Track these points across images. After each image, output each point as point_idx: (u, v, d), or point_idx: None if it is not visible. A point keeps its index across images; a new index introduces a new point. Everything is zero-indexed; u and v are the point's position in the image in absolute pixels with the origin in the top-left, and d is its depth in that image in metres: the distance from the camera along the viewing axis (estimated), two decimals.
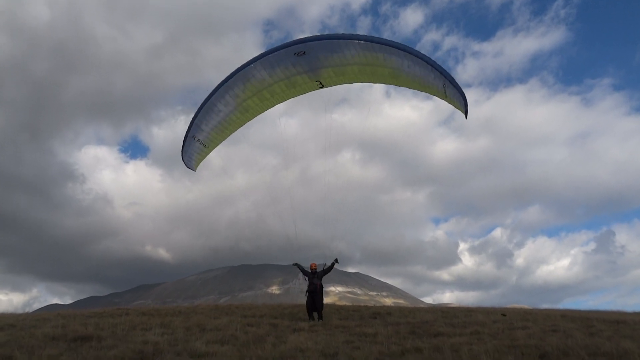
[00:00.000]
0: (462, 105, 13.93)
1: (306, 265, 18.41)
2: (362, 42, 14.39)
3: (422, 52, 14.18)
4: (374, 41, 14.35)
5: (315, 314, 17.65)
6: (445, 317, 19.03)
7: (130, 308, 22.35)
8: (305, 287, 18.08)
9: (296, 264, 18.46)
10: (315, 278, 17.77)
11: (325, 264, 18.20)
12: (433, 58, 13.99)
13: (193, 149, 17.74)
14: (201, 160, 18.46)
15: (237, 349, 10.46)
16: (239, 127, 17.54)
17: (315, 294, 17.65)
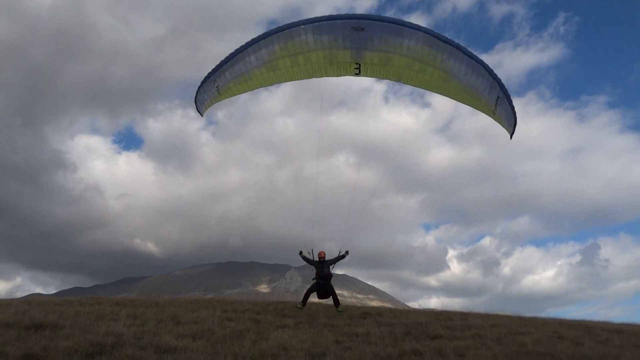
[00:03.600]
0: (512, 125, 12.74)
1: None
2: (427, 35, 13.05)
3: None
4: (439, 38, 12.97)
5: (309, 303, 16.68)
6: (440, 319, 17.83)
7: (104, 297, 20.93)
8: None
9: (301, 253, 17.19)
10: (325, 267, 16.57)
11: (340, 253, 16.99)
12: None
13: (208, 93, 16.57)
14: (210, 106, 17.35)
15: (211, 345, 9.18)
16: (259, 85, 16.31)
17: (325, 283, 16.51)
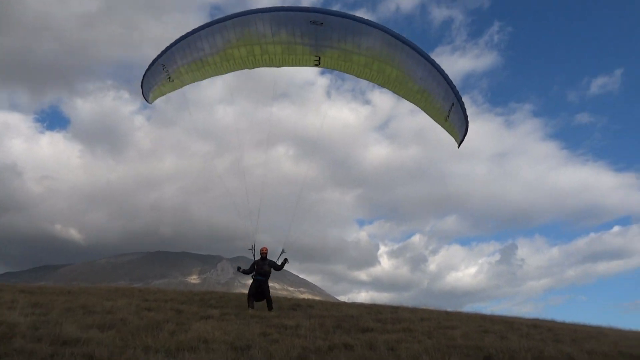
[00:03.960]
0: (461, 133, 12.47)
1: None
2: (387, 34, 12.64)
3: None
4: (398, 38, 12.67)
5: (256, 304, 15.69)
6: (370, 312, 17.70)
7: (6, 284, 18.83)
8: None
9: (239, 269, 16.28)
10: (266, 265, 15.73)
11: (281, 256, 16.09)
12: None
13: (156, 78, 15.10)
14: (160, 95, 15.82)
15: (122, 337, 8.18)
16: (213, 74, 15.14)
17: (263, 281, 15.66)
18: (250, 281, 16.06)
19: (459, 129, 12.45)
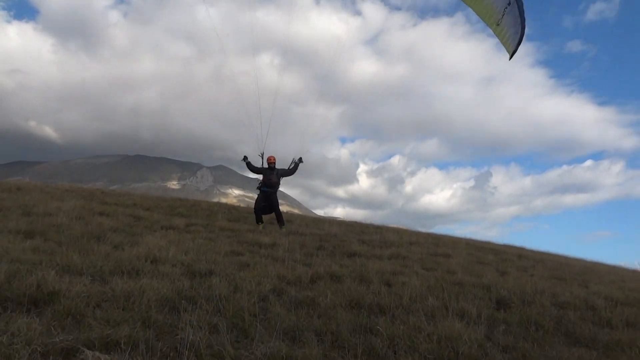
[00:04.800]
0: (515, 42, 9.50)
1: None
2: None
3: None
4: None
5: (265, 219, 14.13)
6: (353, 231, 16.33)
7: None
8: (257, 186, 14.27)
9: (245, 159, 14.27)
10: (274, 175, 13.89)
11: (294, 161, 14.35)
12: None
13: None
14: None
15: (47, 248, 6.32)
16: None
17: (271, 192, 13.93)
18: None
19: (512, 37, 9.72)
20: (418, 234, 20.41)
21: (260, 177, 14.22)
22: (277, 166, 14.16)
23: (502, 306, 6.91)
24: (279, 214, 14.17)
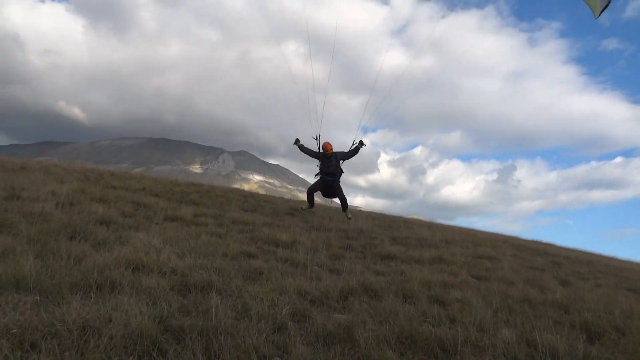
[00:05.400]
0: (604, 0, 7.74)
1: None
2: None
3: None
4: None
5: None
6: (382, 226, 14.74)
7: None
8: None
9: (297, 142, 12.92)
10: (332, 164, 12.47)
11: (354, 143, 12.77)
12: None
13: None
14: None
15: (7, 247, 4.90)
16: None
17: (333, 178, 12.56)
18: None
19: None
20: (452, 229, 18.67)
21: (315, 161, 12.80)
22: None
23: (593, 336, 5.25)
24: (343, 200, 12.96)
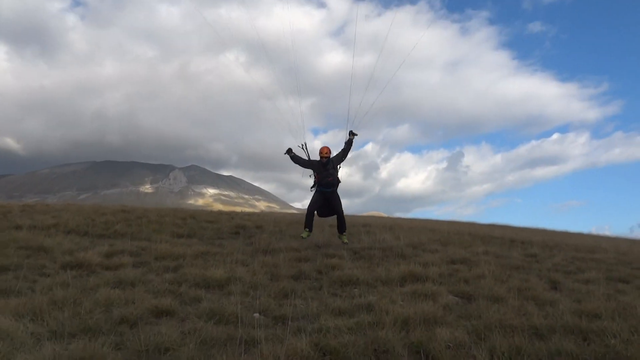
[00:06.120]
0: None
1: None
2: None
3: None
4: None
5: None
6: (351, 233, 13.13)
7: None
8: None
9: (290, 152, 11.18)
10: (330, 168, 10.67)
11: (349, 135, 11.10)
12: None
13: None
14: None
15: None
16: None
17: (331, 191, 10.77)
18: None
19: None
20: (413, 225, 17.39)
21: (307, 171, 11.06)
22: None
23: None
24: (341, 218, 10.95)
